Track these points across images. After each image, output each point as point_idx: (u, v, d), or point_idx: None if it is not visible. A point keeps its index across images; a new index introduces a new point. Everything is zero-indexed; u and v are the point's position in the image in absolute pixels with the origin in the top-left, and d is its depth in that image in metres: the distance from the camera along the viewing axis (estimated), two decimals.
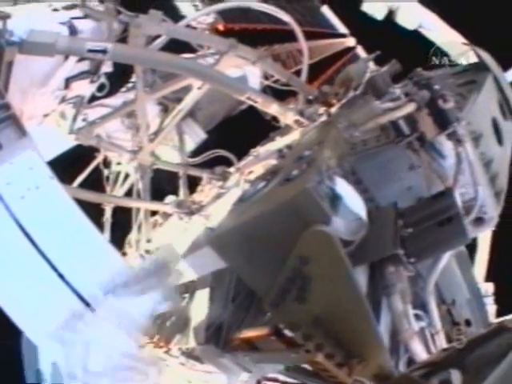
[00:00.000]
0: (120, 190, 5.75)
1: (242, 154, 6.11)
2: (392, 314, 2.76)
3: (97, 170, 5.47)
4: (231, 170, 6.08)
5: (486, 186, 3.41)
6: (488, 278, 5.71)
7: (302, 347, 2.22)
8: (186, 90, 5.77)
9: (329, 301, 2.19)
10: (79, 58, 3.39)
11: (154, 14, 3.65)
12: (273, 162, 4.63)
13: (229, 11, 6.89)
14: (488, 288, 5.47)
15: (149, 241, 5.40)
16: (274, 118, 6.94)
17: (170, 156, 6.16)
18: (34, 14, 3.22)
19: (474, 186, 3.08)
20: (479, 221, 3.39)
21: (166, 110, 5.96)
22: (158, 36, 4.14)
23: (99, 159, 5.35)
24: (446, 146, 3.34)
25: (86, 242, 2.22)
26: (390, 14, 6.51)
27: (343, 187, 2.19)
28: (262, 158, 4.92)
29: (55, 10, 3.37)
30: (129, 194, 5.81)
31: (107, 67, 4.02)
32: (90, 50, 2.91)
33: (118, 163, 5.71)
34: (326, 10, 9.17)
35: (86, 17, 3.57)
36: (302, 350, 2.22)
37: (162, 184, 6.12)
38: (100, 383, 1.82)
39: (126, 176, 5.85)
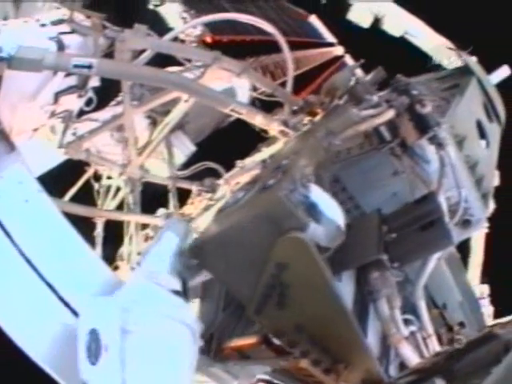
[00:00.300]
0: (111, 204, 5.76)
1: (232, 165, 6.17)
2: (379, 319, 2.77)
3: (87, 183, 5.49)
4: (220, 181, 6.13)
5: (472, 188, 3.45)
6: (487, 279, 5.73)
7: (292, 355, 2.23)
8: (175, 102, 5.85)
9: (308, 306, 2.21)
10: (66, 73, 3.43)
11: (138, 28, 3.70)
12: (257, 172, 4.65)
13: (216, 23, 6.98)
14: (483, 290, 5.49)
15: (140, 253, 5.39)
16: (264, 130, 7.04)
17: (160, 169, 6.18)
18: (23, 29, 3.27)
19: (458, 189, 3.12)
20: (466, 223, 3.43)
21: (154, 123, 5.99)
22: (145, 50, 4.18)
23: (89, 173, 5.36)
24: (429, 150, 3.38)
25: (74, 254, 2.22)
26: (376, 22, 6.59)
27: (318, 194, 2.22)
28: (247, 169, 4.95)
29: (43, 25, 3.43)
30: (120, 207, 5.82)
31: (94, 82, 4.06)
32: (76, 66, 2.94)
33: (109, 177, 5.73)
34: (313, 19, 9.27)
35: (73, 32, 3.62)
36: (292, 357, 2.23)
37: (153, 197, 6.14)
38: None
39: (118, 189, 5.86)
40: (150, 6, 6.14)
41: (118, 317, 1.67)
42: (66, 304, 2.04)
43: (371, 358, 2.27)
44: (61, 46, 3.35)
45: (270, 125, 4.63)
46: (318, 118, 4.30)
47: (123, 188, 5.76)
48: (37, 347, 1.97)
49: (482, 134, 3.84)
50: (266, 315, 2.31)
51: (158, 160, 6.14)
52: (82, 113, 4.64)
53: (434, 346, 3.06)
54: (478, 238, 5.60)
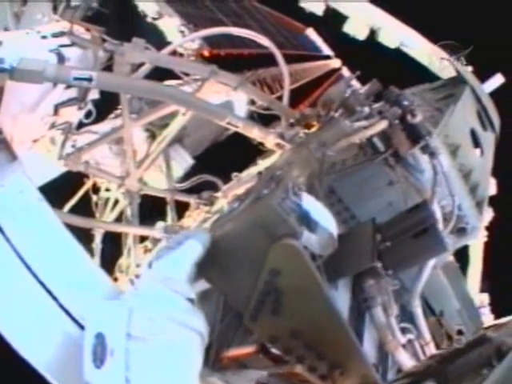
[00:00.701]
0: (109, 216, 5.80)
1: (230, 178, 6.21)
2: (375, 326, 2.79)
3: (86, 195, 5.54)
4: (218, 194, 6.17)
5: (467, 196, 3.48)
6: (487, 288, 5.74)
7: (290, 363, 2.24)
8: (173, 116, 5.93)
9: (303, 313, 2.23)
10: (67, 85, 3.50)
11: (136, 41, 3.78)
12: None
13: (214, 36, 7.10)
14: (483, 299, 5.49)
15: (138, 266, 5.42)
16: (261, 143, 7.12)
17: (158, 182, 6.23)
18: (25, 40, 3.35)
19: (451, 197, 3.16)
20: (462, 231, 3.46)
21: (153, 136, 6.07)
22: (143, 63, 4.26)
23: (88, 185, 5.42)
24: (423, 159, 3.43)
25: (74, 263, 2.25)
26: (372, 34, 6.69)
27: (311, 202, 2.25)
28: (243, 182, 5.00)
29: (44, 37, 3.51)
30: (119, 219, 5.85)
31: (94, 94, 4.14)
32: (76, 78, 3.00)
33: (107, 189, 5.78)
34: (310, 32, 9.43)
35: (72, 44, 3.70)
36: (290, 365, 2.24)
37: (151, 210, 6.19)
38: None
39: (116, 202, 5.91)
40: (149, 20, 6.25)
41: (124, 322, 1.65)
42: (67, 312, 2.06)
43: (367, 364, 2.29)
44: (61, 59, 3.43)
45: (267, 138, 4.70)
46: (313, 130, 4.37)
47: (121, 200, 5.81)
48: (38, 355, 1.98)
49: (476, 142, 3.89)
50: (262, 322, 2.33)
51: (156, 173, 6.21)
52: (81, 125, 4.71)
53: (432, 353, 3.07)
54: (476, 247, 5.62)
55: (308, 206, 2.16)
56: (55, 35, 3.61)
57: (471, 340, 1.96)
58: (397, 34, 6.32)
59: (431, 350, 3.11)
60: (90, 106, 4.22)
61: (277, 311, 2.26)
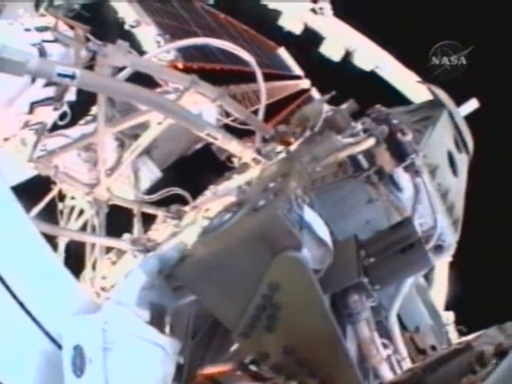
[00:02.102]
0: (74, 226, 5.53)
1: (193, 193, 6.15)
2: (359, 341, 2.78)
3: (51, 203, 5.26)
4: (186, 208, 6.06)
5: (444, 215, 3.58)
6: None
7: (270, 380, 2.17)
8: (144, 126, 5.82)
9: (299, 328, 2.16)
10: (45, 83, 3.34)
11: (121, 44, 3.67)
12: (231, 198, 4.64)
13: (189, 50, 7.07)
14: (449, 316, 5.62)
15: (104, 278, 5.18)
16: (229, 159, 7.13)
17: (124, 193, 6.05)
18: (7, 31, 3.16)
19: (433, 214, 3.23)
20: (439, 248, 3.54)
21: (122, 145, 5.93)
22: (123, 68, 4.14)
23: (54, 192, 5.15)
24: (403, 178, 3.51)
25: (46, 268, 2.10)
26: (347, 56, 6.83)
27: (311, 215, 2.22)
28: (220, 195, 4.93)
29: (27, 29, 3.34)
30: (83, 230, 5.60)
31: (71, 95, 3.97)
32: (59, 74, 2.86)
33: (72, 197, 5.53)
34: (282, 51, 9.57)
35: (55, 41, 3.54)
36: (270, 382, 2.17)
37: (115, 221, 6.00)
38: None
39: (81, 212, 5.66)
40: (126, 27, 6.14)
41: (99, 335, 1.76)
42: (42, 328, 1.92)
43: (359, 381, 2.25)
44: (43, 54, 3.29)
45: (244, 152, 4.67)
46: (294, 145, 4.39)
47: (87, 210, 5.58)
48: (15, 375, 1.84)
49: (452, 163, 4.03)
50: (254, 338, 2.24)
51: (122, 184, 6.03)
52: (52, 129, 4.50)
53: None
54: (441, 266, 5.78)
55: (309, 219, 2.13)
56: (39, 29, 3.45)
57: (451, 350, 1.99)
58: (372, 57, 6.49)
59: (407, 365, 3.14)
60: (65, 108, 4.04)
61: (271, 327, 2.18)
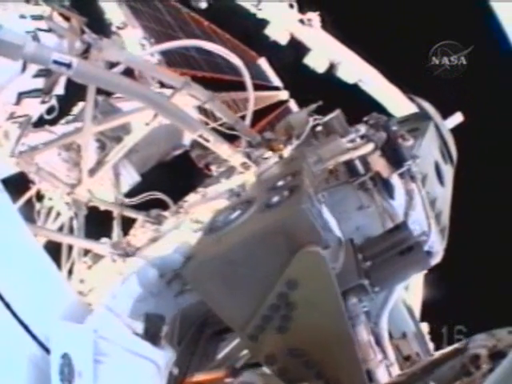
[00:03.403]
0: (51, 227, 5.30)
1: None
2: (357, 344, 2.78)
3: (28, 203, 5.03)
4: (166, 213, 5.96)
5: (433, 222, 3.66)
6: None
7: None
8: (126, 129, 5.72)
9: (313, 329, 2.13)
10: (35, 73, 3.21)
11: (116, 39, 3.59)
12: (222, 201, 4.60)
13: (172, 56, 7.03)
14: (423, 327, 5.73)
15: (82, 281, 4.98)
16: (207, 166, 7.08)
17: (102, 196, 5.89)
18: (1, 16, 3.02)
19: (427, 220, 3.30)
20: (428, 255, 3.61)
21: (103, 147, 5.81)
22: (114, 65, 4.05)
23: (32, 191, 4.93)
24: (397, 185, 3.58)
25: (33, 266, 1.99)
26: (331, 68, 6.96)
27: (326, 213, 2.22)
28: (210, 198, 4.86)
29: (22, 16, 3.21)
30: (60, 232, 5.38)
31: (60, 89, 3.83)
32: (55, 62, 2.76)
33: (50, 198, 5.31)
34: (262, 62, 9.67)
35: (50, 30, 3.41)
36: None
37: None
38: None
39: (58, 214, 5.45)
40: (113, 28, 6.05)
41: (90, 346, 1.68)
42: (29, 331, 1.81)
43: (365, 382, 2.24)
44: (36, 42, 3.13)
45: (234, 156, 4.66)
46: (285, 152, 4.44)
47: (64, 212, 5.38)
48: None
49: (439, 173, 4.16)
50: (263, 341, 2.18)
51: (101, 186, 5.87)
52: (36, 125, 4.33)
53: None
54: (417, 278, 5.89)
55: (326, 216, 2.12)
56: (34, 17, 3.32)
57: (446, 352, 2.03)
58: (356, 70, 6.63)
59: (396, 371, 3.17)
60: (53, 102, 3.90)
61: (283, 328, 2.13)
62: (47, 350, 1.75)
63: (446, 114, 4.86)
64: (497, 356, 1.74)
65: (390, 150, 3.30)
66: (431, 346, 5.47)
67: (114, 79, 3.35)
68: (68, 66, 2.88)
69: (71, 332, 1.72)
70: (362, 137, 3.49)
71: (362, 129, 3.29)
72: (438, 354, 2.22)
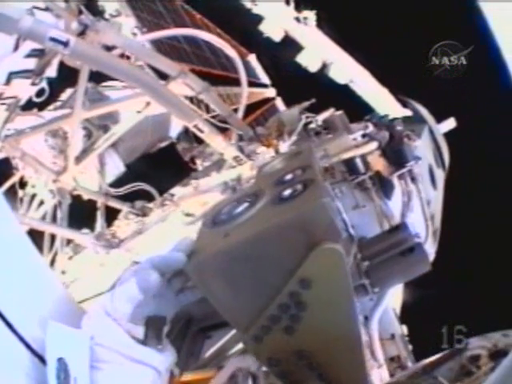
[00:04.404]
0: (34, 216, 5.11)
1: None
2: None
3: (10, 190, 4.82)
4: (151, 205, 5.85)
5: (430, 224, 3.69)
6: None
7: None
8: (113, 117, 5.57)
9: (322, 329, 2.08)
10: (27, 53, 3.05)
11: (114, 23, 3.46)
12: (216, 194, 4.52)
13: (163, 47, 6.89)
14: (403, 329, 5.79)
15: (63, 272, 4.81)
16: (192, 160, 6.98)
17: (86, 186, 5.73)
18: None
19: (425, 222, 3.30)
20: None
21: (89, 136, 5.65)
22: (109, 49, 3.91)
23: (16, 178, 4.73)
24: (396, 185, 3.58)
25: (19, 258, 1.85)
26: (323, 68, 6.94)
27: (342, 208, 2.17)
28: (202, 191, 4.76)
29: None
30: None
31: (51, 72, 3.66)
32: (52, 39, 2.62)
33: (33, 186, 5.12)
34: (252, 58, 9.56)
35: (46, 9, 3.25)
36: None
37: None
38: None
39: (41, 202, 5.26)
40: (106, 16, 5.87)
41: (86, 352, 1.60)
42: (13, 329, 1.67)
43: None
44: None
45: (227, 149, 4.58)
46: (282, 148, 4.39)
47: (48, 200, 5.19)
48: None
49: (432, 177, 4.19)
50: (267, 342, 2.09)
51: (86, 175, 5.71)
52: (23, 108, 4.14)
53: (386, 375, 3.15)
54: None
55: (342, 212, 2.06)
56: None
57: (444, 354, 2.03)
58: (348, 71, 6.65)
59: (385, 372, 3.18)
60: (43, 84, 3.73)
61: (291, 329, 2.05)
62: (33, 351, 1.65)
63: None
64: (498, 355, 1.75)
65: (392, 149, 3.29)
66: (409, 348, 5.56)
67: (112, 61, 3.23)
68: (65, 44, 2.74)
69: (66, 336, 1.63)
70: (364, 135, 3.47)
71: (370, 127, 3.27)
72: (434, 357, 2.21)
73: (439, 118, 4.71)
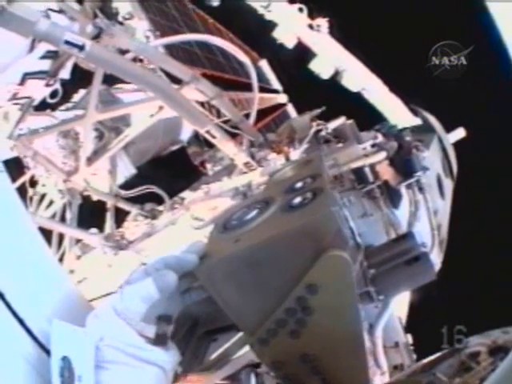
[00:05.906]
0: (43, 215, 5.17)
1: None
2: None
3: (20, 189, 4.89)
4: (160, 208, 5.89)
5: (436, 234, 3.69)
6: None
7: None
8: (125, 120, 5.63)
9: (326, 334, 2.09)
10: (42, 55, 3.11)
11: (129, 27, 3.52)
12: (226, 200, 4.55)
13: (176, 51, 6.97)
14: (408, 338, 5.75)
15: (72, 272, 4.86)
16: (202, 164, 7.01)
17: (97, 187, 5.79)
18: None
19: (431, 231, 3.31)
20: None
21: (100, 137, 5.72)
22: (123, 53, 3.97)
23: (27, 177, 4.80)
24: (404, 195, 3.59)
25: (28, 253, 1.87)
26: (336, 75, 6.95)
27: (349, 217, 2.19)
28: (213, 196, 4.80)
29: None
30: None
31: (65, 73, 3.73)
32: (68, 42, 2.67)
33: (44, 185, 5.19)
34: (264, 64, 9.63)
35: (61, 12, 3.32)
36: None
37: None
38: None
39: (51, 202, 5.32)
40: (120, 18, 5.95)
41: (91, 351, 1.59)
42: (22, 322, 1.70)
43: None
44: None
45: (238, 154, 4.63)
46: (293, 155, 4.43)
47: (57, 200, 5.26)
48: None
49: (440, 186, 4.19)
50: (273, 346, 2.11)
51: (96, 177, 5.77)
52: (36, 108, 4.21)
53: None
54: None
55: (350, 221, 2.08)
56: None
57: (443, 353, 2.03)
58: (361, 78, 6.66)
59: (386, 379, 3.19)
60: (57, 86, 3.79)
61: (297, 333, 2.07)
62: (41, 345, 1.67)
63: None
64: (497, 351, 1.76)
65: (401, 159, 3.30)
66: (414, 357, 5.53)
67: (127, 65, 3.28)
68: (80, 47, 2.79)
69: (71, 335, 1.63)
70: (373, 145, 3.49)
71: (380, 137, 3.29)
72: (433, 356, 2.22)
73: (439, 118, 4.70)
